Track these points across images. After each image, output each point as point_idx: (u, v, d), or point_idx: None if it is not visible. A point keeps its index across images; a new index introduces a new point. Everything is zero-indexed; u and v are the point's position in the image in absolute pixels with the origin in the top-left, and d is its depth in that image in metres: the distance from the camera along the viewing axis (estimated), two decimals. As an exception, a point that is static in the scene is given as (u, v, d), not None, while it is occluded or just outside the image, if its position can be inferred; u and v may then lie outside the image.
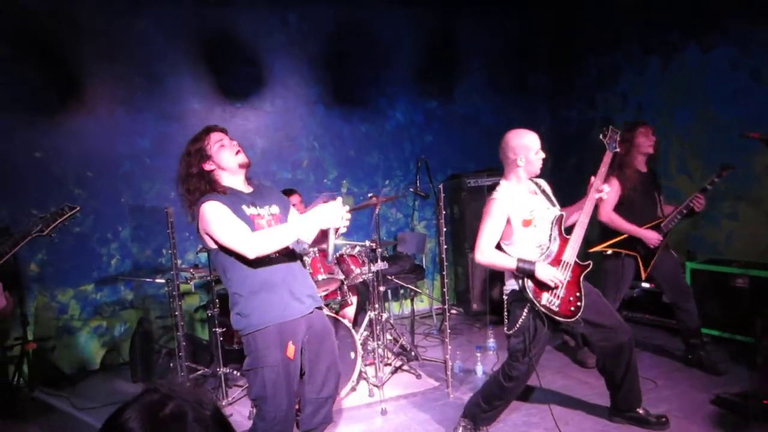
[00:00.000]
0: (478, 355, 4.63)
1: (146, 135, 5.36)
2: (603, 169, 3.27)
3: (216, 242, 2.57)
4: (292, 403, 2.65)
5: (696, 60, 5.27)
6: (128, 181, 5.31)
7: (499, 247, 3.23)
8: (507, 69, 6.88)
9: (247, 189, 2.78)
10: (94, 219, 5.18)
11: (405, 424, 3.83)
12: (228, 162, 2.71)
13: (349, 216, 2.55)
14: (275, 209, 2.80)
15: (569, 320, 3.16)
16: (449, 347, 4.22)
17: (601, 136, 3.36)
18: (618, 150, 3.39)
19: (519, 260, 3.11)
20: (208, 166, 2.70)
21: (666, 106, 5.51)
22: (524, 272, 3.11)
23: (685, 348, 4.42)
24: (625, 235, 4.16)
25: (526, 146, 3.20)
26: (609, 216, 4.16)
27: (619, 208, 4.17)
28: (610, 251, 4.25)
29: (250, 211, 2.66)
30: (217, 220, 2.51)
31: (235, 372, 4.36)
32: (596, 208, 4.12)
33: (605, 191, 3.25)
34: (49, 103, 4.99)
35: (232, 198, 2.64)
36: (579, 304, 3.18)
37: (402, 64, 6.37)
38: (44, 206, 4.93)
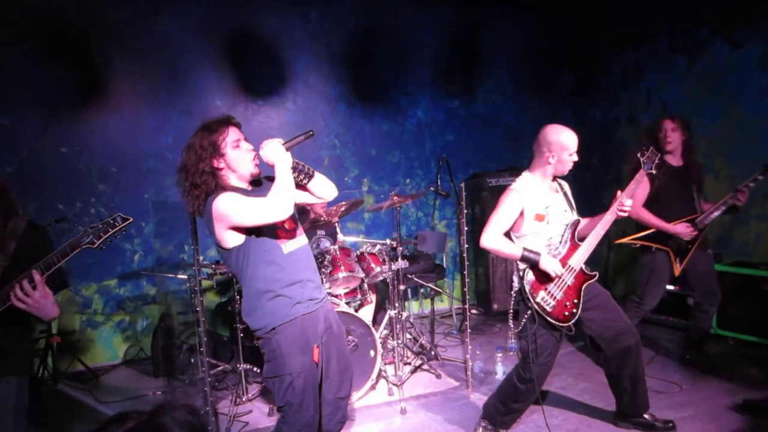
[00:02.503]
0: (499, 355, 4.59)
1: (169, 132, 5.41)
2: (632, 186, 3.22)
3: (241, 229, 2.47)
4: (317, 406, 2.62)
5: (723, 58, 5.17)
6: (151, 177, 5.36)
7: (509, 238, 3.21)
8: (529, 67, 6.82)
9: (248, 188, 2.67)
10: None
11: (424, 423, 3.81)
12: (242, 168, 2.58)
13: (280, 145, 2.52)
14: None
15: (561, 324, 3.13)
16: (469, 347, 4.19)
17: (639, 154, 3.29)
18: (653, 171, 3.33)
19: (525, 249, 3.09)
20: (217, 164, 2.54)
21: (692, 105, 5.41)
22: (528, 261, 3.09)
23: (686, 347, 4.40)
24: (655, 229, 4.08)
25: (562, 145, 3.14)
26: (637, 212, 4.06)
27: (652, 204, 4.08)
28: (638, 244, 4.16)
29: None
30: (236, 206, 2.41)
31: (255, 369, 4.37)
32: None
33: (629, 207, 3.16)
34: (75, 99, 5.07)
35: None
36: (575, 311, 3.14)
37: (423, 62, 6.35)
38: (69, 202, 5.03)
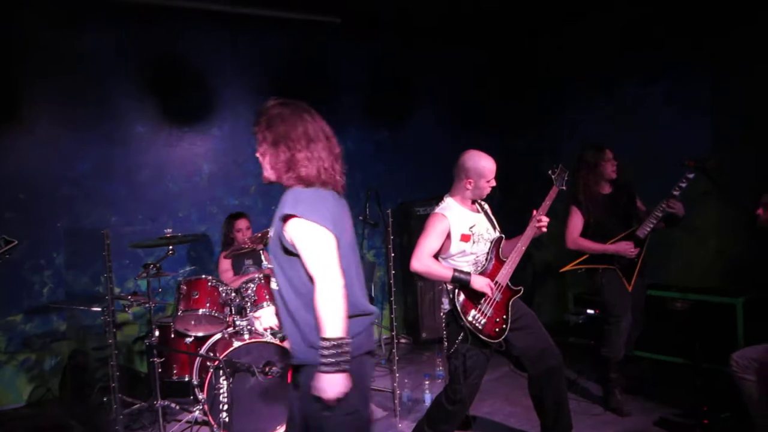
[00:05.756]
0: (427, 383, 4.55)
1: (87, 157, 5.16)
2: (547, 202, 3.31)
3: None
4: None
5: (637, 93, 5.48)
6: (66, 205, 5.08)
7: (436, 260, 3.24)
8: (457, 100, 6.98)
9: None
10: (27, 245, 4.90)
11: (351, 455, 3.70)
12: None
13: None
14: None
15: (492, 341, 3.17)
16: (397, 376, 4.15)
17: (549, 172, 3.41)
18: (564, 188, 3.41)
19: (455, 270, 3.13)
20: None
21: (608, 136, 5.66)
22: (459, 282, 3.12)
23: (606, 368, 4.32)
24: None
25: (479, 172, 3.23)
26: (575, 242, 4.16)
27: (589, 232, 4.15)
28: (583, 268, 4.21)
29: None
30: None
31: (174, 405, 4.15)
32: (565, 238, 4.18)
33: (545, 222, 3.24)
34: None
35: None
36: (504, 326, 3.20)
37: (353, 93, 6.38)
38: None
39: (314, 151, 2.26)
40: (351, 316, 2.12)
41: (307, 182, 2.24)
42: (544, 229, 3.26)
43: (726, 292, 4.58)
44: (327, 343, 2.00)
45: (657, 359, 4.84)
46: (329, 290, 2.07)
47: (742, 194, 4.03)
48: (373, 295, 6.10)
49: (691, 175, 3.82)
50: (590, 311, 5.42)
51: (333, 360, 1.99)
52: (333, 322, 2.03)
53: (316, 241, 2.13)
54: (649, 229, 4.02)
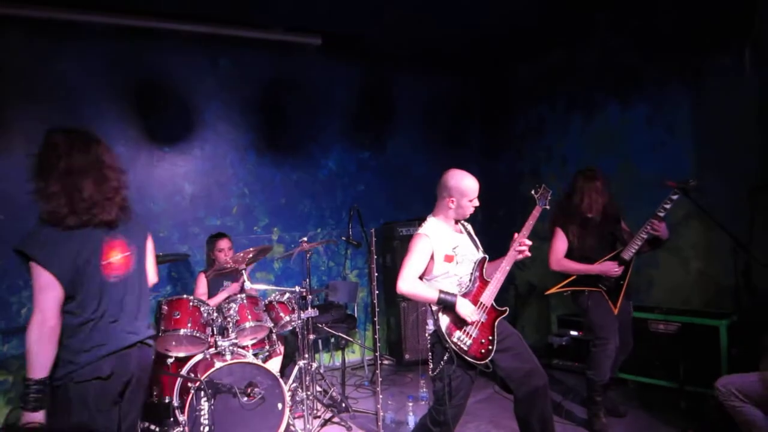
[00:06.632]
0: (410, 405, 4.52)
1: (66, 177, 5.10)
2: (531, 222, 3.30)
3: None
4: None
5: (616, 116, 5.57)
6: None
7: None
8: (439, 122, 7.06)
9: None
10: (4, 265, 4.83)
11: (334, 478, 3.65)
12: None
13: None
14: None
15: (478, 362, 3.14)
16: (381, 397, 4.11)
17: (532, 191, 3.40)
18: (547, 207, 3.40)
19: (441, 291, 3.12)
20: None
21: (588, 159, 5.75)
22: (445, 303, 3.11)
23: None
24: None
25: (462, 191, 3.23)
26: (559, 264, 4.17)
27: (573, 254, 4.17)
28: (569, 291, 4.20)
29: None
30: None
31: (153, 427, 4.07)
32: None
33: (526, 248, 3.24)
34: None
35: None
36: (490, 347, 3.17)
37: (335, 113, 6.42)
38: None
39: (71, 186, 2.39)
40: (87, 350, 2.36)
41: (52, 218, 2.37)
42: (527, 254, 3.26)
43: (710, 314, 4.59)
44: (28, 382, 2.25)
45: (641, 382, 4.83)
46: (29, 331, 2.25)
47: (724, 216, 4.06)
48: (355, 315, 6.08)
49: (675, 197, 3.85)
50: (574, 333, 5.44)
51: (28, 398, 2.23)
52: (29, 362, 2.24)
53: (36, 280, 2.30)
54: (634, 251, 4.03)
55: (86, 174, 2.41)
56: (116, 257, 2.52)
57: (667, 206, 3.88)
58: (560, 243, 4.18)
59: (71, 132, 2.49)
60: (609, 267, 4.06)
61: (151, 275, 2.84)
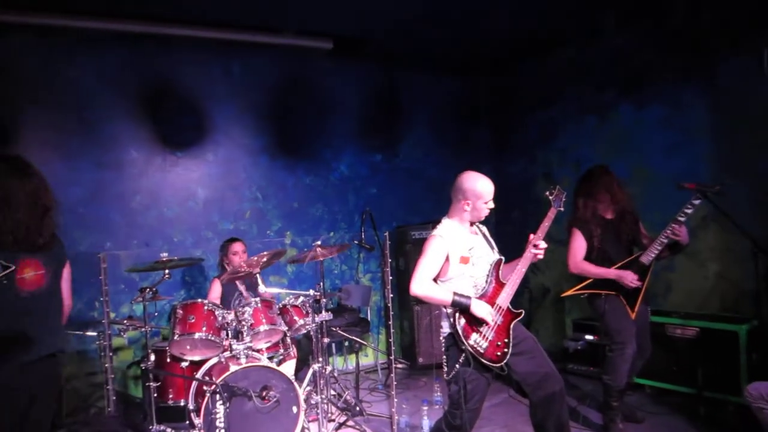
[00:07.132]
0: (425, 409, 4.49)
1: (81, 183, 5.14)
2: (546, 224, 3.26)
3: None
4: None
5: (630, 117, 5.52)
6: (60, 231, 5.02)
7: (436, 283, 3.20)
8: (451, 125, 7.05)
9: None
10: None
11: (349, 483, 3.64)
12: None
13: None
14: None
15: (494, 364, 3.11)
16: (395, 401, 4.10)
17: (547, 193, 3.37)
18: (561, 209, 3.36)
19: (455, 294, 3.09)
20: None
21: (602, 161, 5.69)
22: (459, 306, 3.09)
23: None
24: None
25: (477, 193, 3.21)
26: (577, 266, 4.11)
27: (593, 256, 4.11)
28: (586, 294, 4.14)
29: None
30: None
31: (169, 430, 4.08)
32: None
33: (542, 250, 3.21)
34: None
35: None
36: (506, 350, 3.15)
37: (347, 117, 6.43)
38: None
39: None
40: None
41: None
42: (541, 256, 3.23)
43: (729, 319, 4.50)
44: None
45: (659, 387, 4.77)
46: None
47: (743, 219, 3.99)
48: (369, 319, 6.06)
49: (697, 201, 3.76)
50: (589, 337, 5.38)
51: None
52: None
53: None
54: (653, 256, 3.95)
55: (18, 199, 2.58)
56: (29, 274, 2.62)
57: (689, 211, 3.79)
58: (578, 244, 4.11)
59: (7, 159, 2.65)
60: (628, 276, 3.97)
61: (66, 299, 2.94)
